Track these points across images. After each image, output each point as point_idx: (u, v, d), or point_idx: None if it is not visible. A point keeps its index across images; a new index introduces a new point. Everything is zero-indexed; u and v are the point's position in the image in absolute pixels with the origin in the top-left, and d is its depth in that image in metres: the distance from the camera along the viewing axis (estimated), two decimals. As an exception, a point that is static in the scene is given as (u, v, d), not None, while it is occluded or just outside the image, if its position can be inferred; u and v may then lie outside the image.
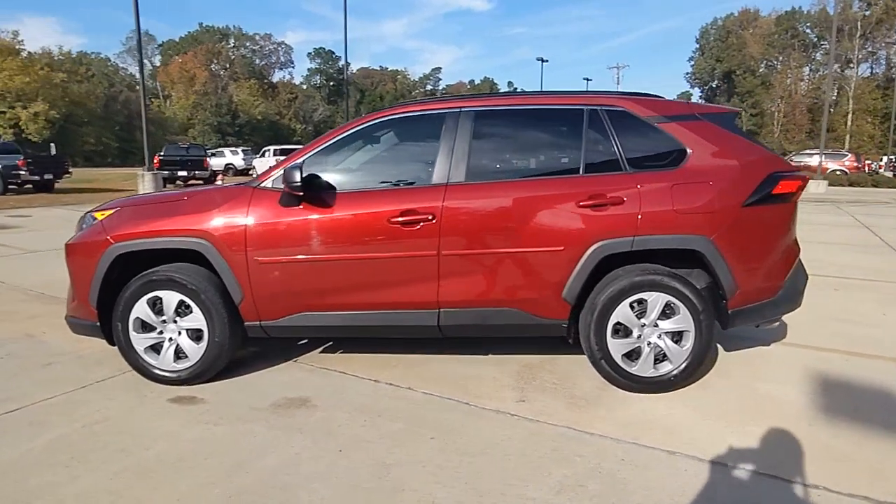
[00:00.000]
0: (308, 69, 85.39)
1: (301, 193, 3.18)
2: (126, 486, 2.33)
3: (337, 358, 3.78)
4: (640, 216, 3.13)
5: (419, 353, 3.81)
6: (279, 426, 2.85)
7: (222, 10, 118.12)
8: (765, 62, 66.76)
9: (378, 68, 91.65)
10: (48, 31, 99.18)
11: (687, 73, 75.91)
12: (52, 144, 30.68)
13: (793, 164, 24.97)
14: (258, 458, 2.55)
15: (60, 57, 58.08)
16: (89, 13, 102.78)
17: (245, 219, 3.25)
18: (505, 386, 3.33)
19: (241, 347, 3.58)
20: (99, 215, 3.49)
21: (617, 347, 3.19)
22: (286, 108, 76.01)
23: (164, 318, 3.31)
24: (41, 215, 12.15)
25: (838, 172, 26.00)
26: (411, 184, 3.36)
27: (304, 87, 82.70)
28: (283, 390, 3.27)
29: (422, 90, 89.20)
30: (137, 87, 19.04)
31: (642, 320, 3.17)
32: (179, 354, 3.33)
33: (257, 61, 79.22)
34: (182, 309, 3.29)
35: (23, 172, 17.29)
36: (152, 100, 64.55)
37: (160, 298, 3.29)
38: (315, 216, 3.24)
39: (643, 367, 3.19)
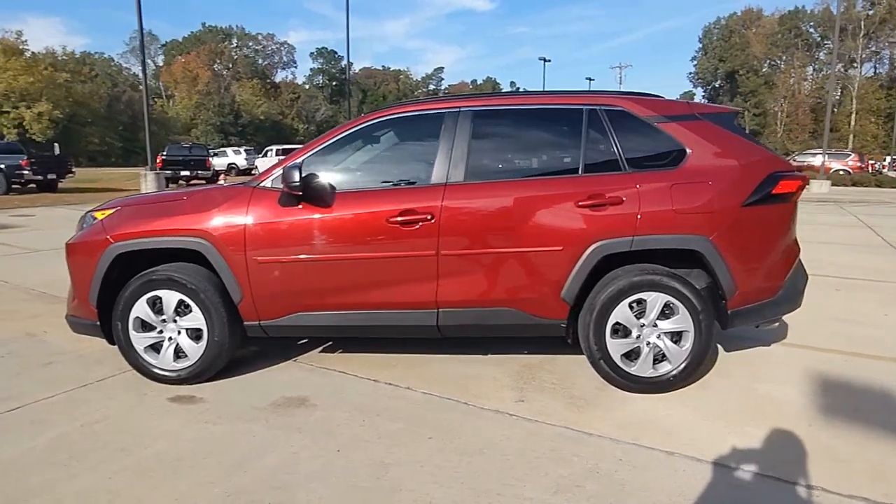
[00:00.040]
0: (311, 69, 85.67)
1: (300, 193, 3.18)
2: (125, 485, 2.34)
3: (336, 357, 3.79)
4: (639, 216, 3.13)
5: (419, 352, 3.81)
6: (278, 425, 2.85)
7: (225, 10, 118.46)
8: (768, 62, 66.62)
9: (381, 68, 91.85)
10: (52, 30, 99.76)
11: (690, 73, 75.95)
12: (55, 144, 30.78)
13: (796, 163, 25.06)
14: (257, 458, 2.55)
15: (64, 57, 58.30)
16: (93, 13, 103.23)
17: (244, 218, 3.26)
18: (504, 386, 3.33)
19: (240, 347, 3.59)
20: (99, 215, 3.51)
21: (616, 347, 3.19)
22: (289, 107, 76.13)
23: (163, 317, 3.32)
24: (44, 215, 12.19)
25: (841, 172, 25.92)
26: (411, 183, 3.36)
27: (307, 86, 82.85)
28: (283, 390, 3.27)
29: (424, 90, 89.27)
30: (141, 87, 19.07)
31: (641, 320, 3.17)
32: (179, 354, 3.34)
33: (260, 61, 79.37)
34: (182, 308, 3.30)
35: (26, 172, 17.36)
36: (155, 100, 64.76)
37: (160, 298, 3.29)
38: (314, 216, 3.24)
39: (642, 368, 3.19)
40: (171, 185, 20.08)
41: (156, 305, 3.31)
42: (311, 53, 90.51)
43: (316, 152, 3.41)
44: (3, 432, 2.78)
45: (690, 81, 75.86)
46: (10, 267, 6.71)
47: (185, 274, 3.28)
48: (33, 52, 52.06)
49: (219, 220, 3.27)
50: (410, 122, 3.55)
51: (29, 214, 12.23)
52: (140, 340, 3.34)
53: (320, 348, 3.95)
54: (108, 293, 3.36)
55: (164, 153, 23.04)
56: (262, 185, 3.36)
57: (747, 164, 3.23)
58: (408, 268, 3.22)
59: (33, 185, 18.08)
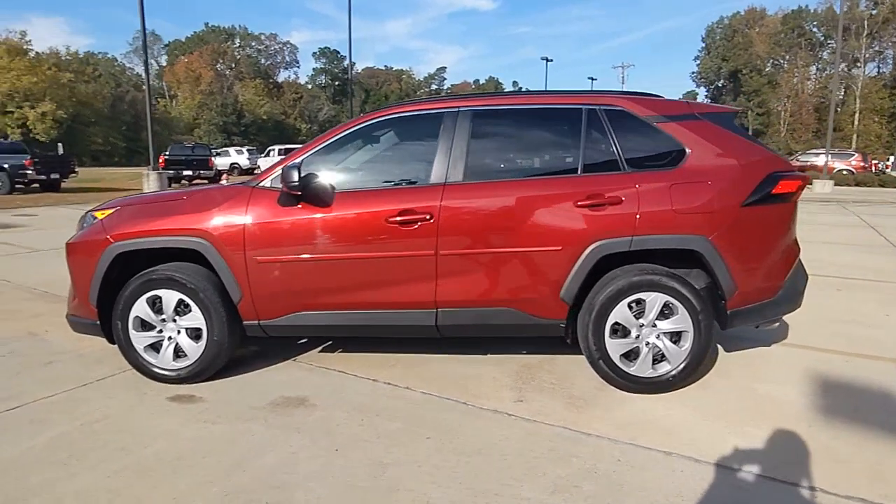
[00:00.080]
0: (313, 69, 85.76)
1: (299, 193, 3.19)
2: (125, 485, 2.35)
3: (336, 357, 3.79)
4: (638, 216, 3.13)
5: (418, 352, 3.81)
6: (277, 425, 2.86)
7: (228, 10, 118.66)
8: (771, 61, 66.42)
9: (383, 68, 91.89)
10: (56, 31, 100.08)
11: (693, 73, 75.81)
12: (59, 144, 30.93)
13: (799, 163, 24.98)
14: (256, 457, 2.56)
15: (68, 57, 58.52)
16: (96, 13, 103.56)
17: (244, 218, 3.26)
18: (503, 386, 3.33)
19: (239, 346, 3.59)
20: (99, 214, 3.52)
21: (615, 348, 3.19)
22: (291, 107, 76.25)
23: (163, 316, 3.33)
24: (47, 214, 12.23)
25: (845, 172, 25.84)
26: (412, 183, 3.36)
27: (310, 86, 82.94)
28: (282, 389, 3.28)
29: (427, 90, 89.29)
30: (144, 87, 19.10)
31: (641, 320, 3.16)
32: (179, 353, 3.35)
33: (263, 61, 79.48)
34: (181, 308, 3.31)
35: (29, 172, 17.42)
36: (158, 100, 64.92)
37: (159, 297, 3.30)
38: (313, 216, 3.24)
39: (641, 368, 3.19)
40: (173, 185, 20.13)
41: (155, 305, 3.32)
42: (314, 53, 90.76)
43: (315, 152, 3.42)
44: (2, 431, 2.79)
45: (693, 81, 75.86)
46: (13, 266, 6.74)
47: (185, 273, 3.28)
48: (37, 52, 52.33)
49: (218, 220, 3.28)
50: (409, 122, 3.55)
51: (32, 214, 12.27)
52: (140, 340, 3.35)
53: (320, 348, 3.95)
54: (108, 292, 3.37)
55: (167, 153, 23.10)
56: (261, 184, 3.37)
57: (747, 164, 3.22)
58: (406, 268, 3.22)
59: (36, 185, 18.14)
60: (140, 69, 67.25)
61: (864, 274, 6.40)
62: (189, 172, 22.24)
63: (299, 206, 3.25)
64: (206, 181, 21.95)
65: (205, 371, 3.33)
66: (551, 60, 53.08)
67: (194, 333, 3.32)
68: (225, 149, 37.50)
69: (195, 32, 76.63)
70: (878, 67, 61.15)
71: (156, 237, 3.32)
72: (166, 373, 3.34)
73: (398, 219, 3.18)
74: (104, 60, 69.83)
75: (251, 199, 3.31)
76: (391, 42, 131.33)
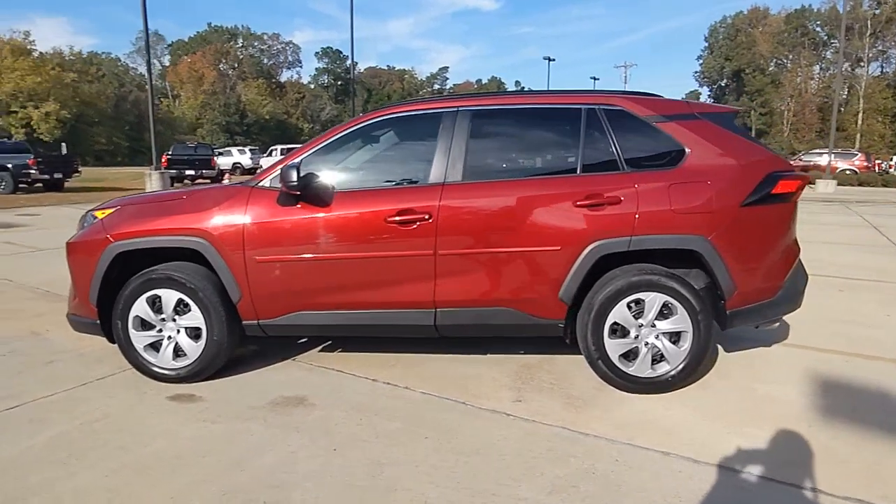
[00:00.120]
0: (316, 68, 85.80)
1: (298, 193, 3.19)
2: (124, 483, 2.35)
3: (335, 357, 3.79)
4: (637, 216, 3.12)
5: (418, 352, 3.81)
6: (276, 424, 2.86)
7: (231, 10, 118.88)
8: (774, 61, 66.21)
9: (385, 68, 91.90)
10: (59, 31, 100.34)
11: (696, 72, 75.66)
12: (62, 144, 31.00)
13: (802, 163, 24.88)
14: (255, 457, 2.56)
15: (71, 57, 58.67)
16: (100, 13, 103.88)
17: (243, 218, 3.27)
18: (503, 386, 3.33)
19: (239, 346, 3.60)
20: (99, 214, 3.53)
21: (614, 348, 3.18)
22: (294, 107, 76.35)
23: (163, 316, 3.34)
24: (50, 214, 12.26)
25: (848, 172, 25.75)
26: (411, 183, 3.36)
27: (312, 86, 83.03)
28: (281, 389, 3.28)
29: (429, 89, 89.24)
30: (147, 87, 19.13)
31: (640, 320, 3.16)
32: (178, 352, 3.36)
33: (265, 61, 79.59)
34: (181, 307, 3.32)
35: (33, 171, 17.48)
36: (161, 99, 64.99)
37: (159, 297, 3.31)
38: (312, 215, 3.25)
39: (640, 368, 3.18)
40: (175, 185, 20.17)
41: (155, 304, 3.33)
42: (317, 53, 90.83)
43: (314, 152, 3.42)
44: (2, 431, 2.80)
45: (696, 80, 75.67)
46: (16, 266, 6.76)
47: (185, 273, 3.29)
48: (41, 53, 52.55)
49: (218, 220, 3.28)
50: (409, 122, 3.56)
51: (34, 213, 12.31)
52: (140, 339, 3.36)
53: (319, 347, 3.96)
54: (108, 292, 3.38)
55: (170, 152, 23.15)
56: (260, 184, 3.37)
57: (747, 164, 3.22)
58: (405, 267, 3.22)
59: (40, 185, 18.20)
60: (143, 69, 67.33)
61: (865, 274, 6.38)
62: (192, 172, 22.29)
63: (298, 205, 3.25)
64: (208, 181, 21.99)
65: (204, 370, 3.34)
66: (554, 60, 52.98)
67: (194, 333, 3.33)
68: (227, 148, 37.58)
69: (198, 32, 76.90)
70: (882, 67, 60.97)
71: (155, 237, 3.33)
72: (166, 372, 3.35)
73: (397, 218, 3.18)
74: (107, 60, 70.07)
75: (250, 198, 3.31)
76: (393, 42, 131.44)
